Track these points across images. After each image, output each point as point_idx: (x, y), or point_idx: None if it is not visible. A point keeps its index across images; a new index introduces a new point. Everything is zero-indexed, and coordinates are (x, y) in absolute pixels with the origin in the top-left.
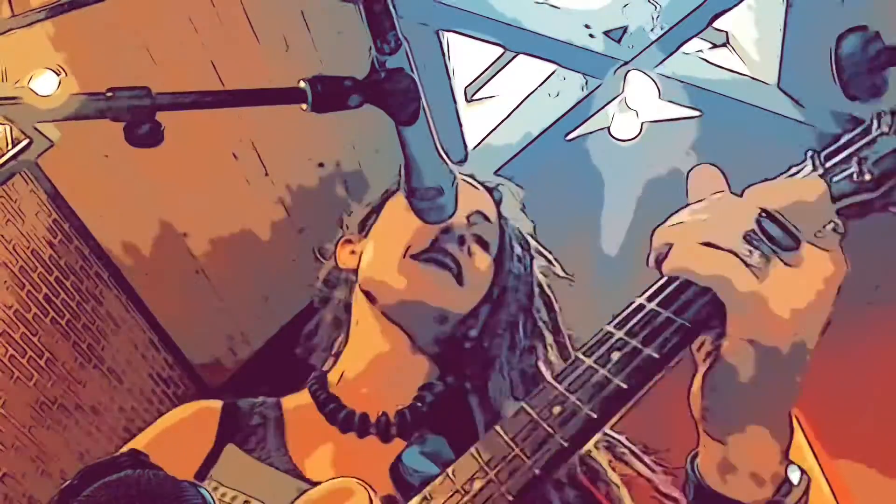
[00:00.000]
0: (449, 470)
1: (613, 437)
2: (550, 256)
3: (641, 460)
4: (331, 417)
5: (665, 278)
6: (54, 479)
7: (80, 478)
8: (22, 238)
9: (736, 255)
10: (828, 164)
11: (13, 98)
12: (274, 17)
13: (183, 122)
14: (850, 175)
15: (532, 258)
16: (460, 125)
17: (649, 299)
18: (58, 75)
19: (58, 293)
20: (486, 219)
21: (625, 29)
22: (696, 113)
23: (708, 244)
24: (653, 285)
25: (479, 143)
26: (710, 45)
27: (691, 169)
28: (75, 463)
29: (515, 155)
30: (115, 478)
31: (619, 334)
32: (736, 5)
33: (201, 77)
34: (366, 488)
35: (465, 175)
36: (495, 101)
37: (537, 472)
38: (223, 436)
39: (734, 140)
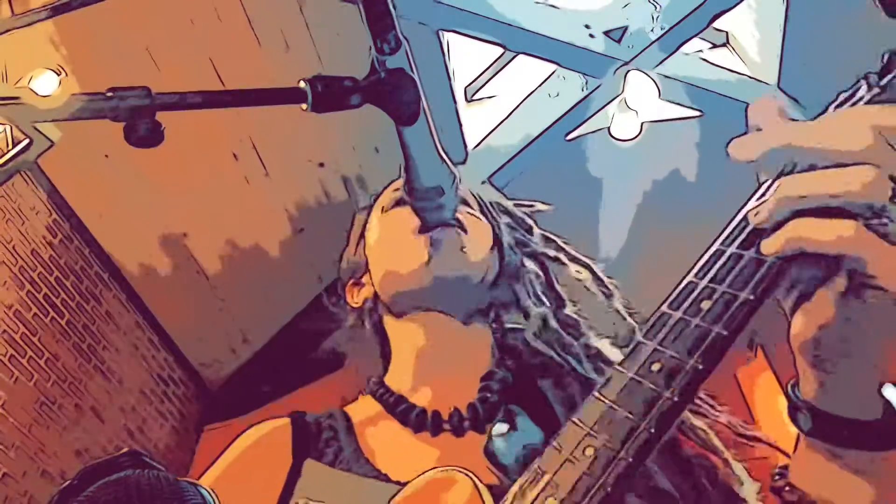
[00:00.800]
0: (554, 441)
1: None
2: (526, 201)
3: (711, 405)
4: (403, 418)
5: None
6: (54, 479)
7: (80, 478)
8: (22, 238)
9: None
10: (882, 82)
11: (13, 98)
12: (274, 17)
13: (183, 122)
14: None
15: (515, 213)
16: (460, 125)
17: (726, 244)
18: (58, 75)
19: (58, 293)
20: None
21: (625, 29)
22: (696, 113)
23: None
24: (726, 228)
25: (479, 143)
26: (710, 45)
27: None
28: (75, 463)
29: (515, 155)
30: (115, 478)
31: (704, 283)
32: (736, 5)
33: (201, 77)
34: (468, 476)
35: None
36: (495, 101)
37: (651, 431)
38: (299, 452)
39: None
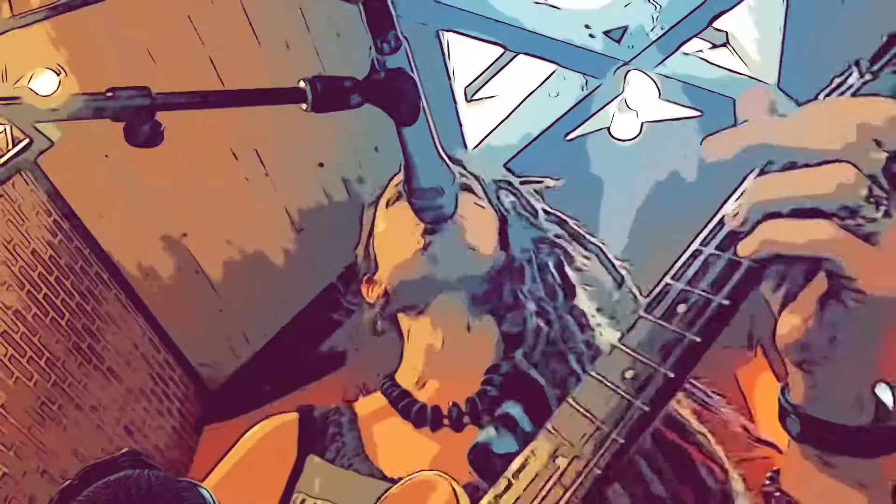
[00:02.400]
0: (549, 424)
1: (693, 384)
2: (532, 177)
3: (717, 402)
4: (405, 412)
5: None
6: (54, 479)
7: (80, 478)
8: (22, 238)
9: (841, 221)
10: (874, 67)
11: (13, 98)
12: (274, 17)
13: (183, 122)
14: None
15: (520, 192)
16: (460, 125)
17: (704, 244)
18: (58, 75)
19: (58, 293)
20: (461, 174)
21: (625, 29)
22: (696, 113)
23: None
24: (705, 227)
25: (479, 143)
26: (710, 45)
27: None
28: (75, 463)
29: (515, 155)
30: (115, 478)
31: (708, 250)
32: (736, 5)
33: (201, 77)
34: (447, 480)
35: None
36: (495, 101)
37: (647, 408)
38: (304, 447)
39: None
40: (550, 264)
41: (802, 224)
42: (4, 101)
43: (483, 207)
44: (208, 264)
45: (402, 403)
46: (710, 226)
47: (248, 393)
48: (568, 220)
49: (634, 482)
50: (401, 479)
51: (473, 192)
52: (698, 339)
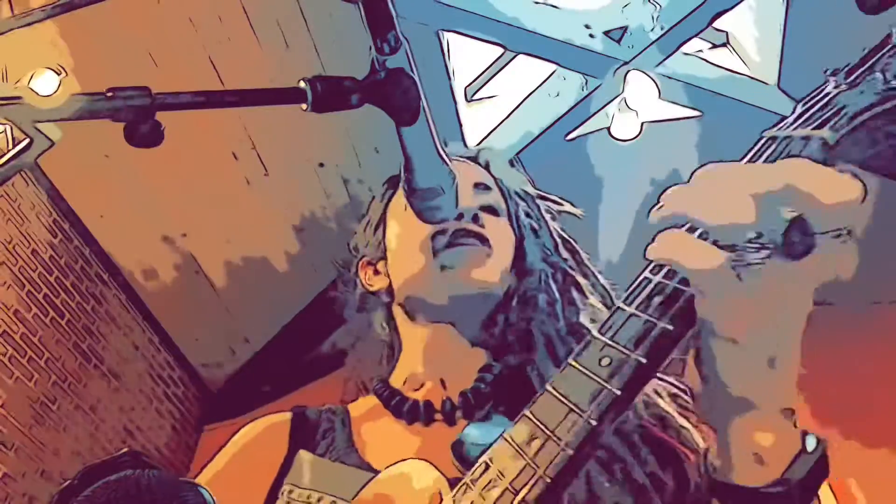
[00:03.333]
0: (506, 434)
1: (678, 387)
2: (555, 197)
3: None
4: (396, 410)
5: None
6: (54, 479)
7: (80, 478)
8: (22, 238)
9: (731, 251)
10: (850, 79)
11: (13, 98)
12: (274, 17)
13: (183, 122)
14: (875, 86)
15: (538, 207)
16: (460, 125)
17: (653, 272)
18: (58, 75)
19: (58, 293)
20: (487, 187)
21: (625, 29)
22: (696, 113)
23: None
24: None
25: (479, 144)
26: (710, 45)
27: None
28: (75, 463)
29: (515, 155)
30: (115, 478)
31: (658, 278)
32: (736, 5)
33: (201, 77)
34: (431, 467)
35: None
36: (495, 101)
37: (594, 423)
38: (295, 444)
39: (734, 140)
40: (560, 296)
41: (694, 244)
42: (4, 101)
43: (503, 227)
44: (208, 264)
45: (394, 401)
46: None
47: (248, 393)
48: (579, 251)
49: (614, 465)
50: None
51: (496, 213)
52: (644, 361)
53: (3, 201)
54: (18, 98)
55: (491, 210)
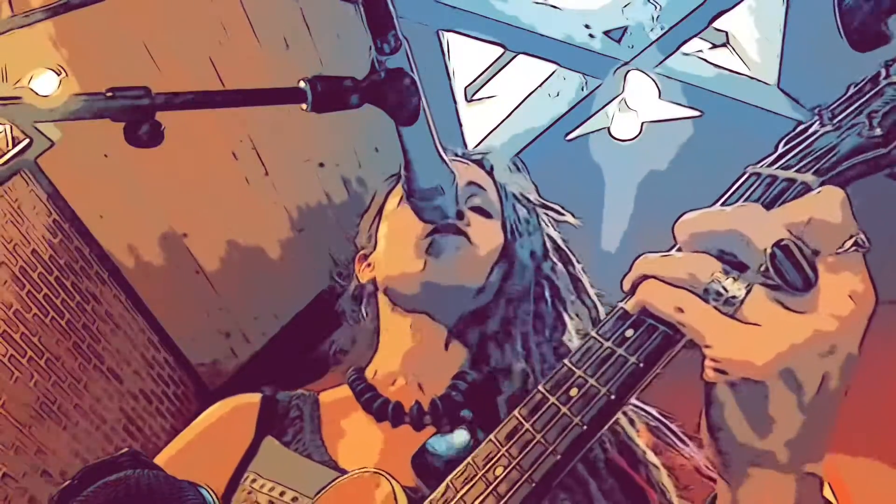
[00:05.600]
0: (470, 458)
1: (655, 417)
2: (557, 206)
3: (683, 441)
4: (367, 406)
5: None
6: (54, 479)
7: (80, 478)
8: (22, 238)
9: (702, 294)
10: (836, 120)
11: (13, 98)
12: (274, 17)
13: (183, 122)
14: (861, 131)
15: (538, 216)
16: (460, 125)
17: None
18: (58, 75)
19: (58, 293)
20: (481, 187)
21: (625, 29)
22: (696, 113)
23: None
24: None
25: (479, 144)
26: (710, 45)
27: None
28: (75, 463)
29: (515, 155)
30: (115, 478)
31: (608, 344)
32: (736, 5)
33: (201, 77)
34: (389, 479)
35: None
36: (495, 101)
37: (559, 457)
38: (262, 429)
39: (734, 140)
40: (547, 304)
41: (670, 291)
42: (4, 101)
43: (491, 228)
44: (208, 264)
45: (366, 397)
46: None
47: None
48: (573, 261)
49: (578, 496)
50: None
51: (487, 214)
52: (613, 397)
53: (3, 201)
54: (18, 98)
55: (480, 210)
